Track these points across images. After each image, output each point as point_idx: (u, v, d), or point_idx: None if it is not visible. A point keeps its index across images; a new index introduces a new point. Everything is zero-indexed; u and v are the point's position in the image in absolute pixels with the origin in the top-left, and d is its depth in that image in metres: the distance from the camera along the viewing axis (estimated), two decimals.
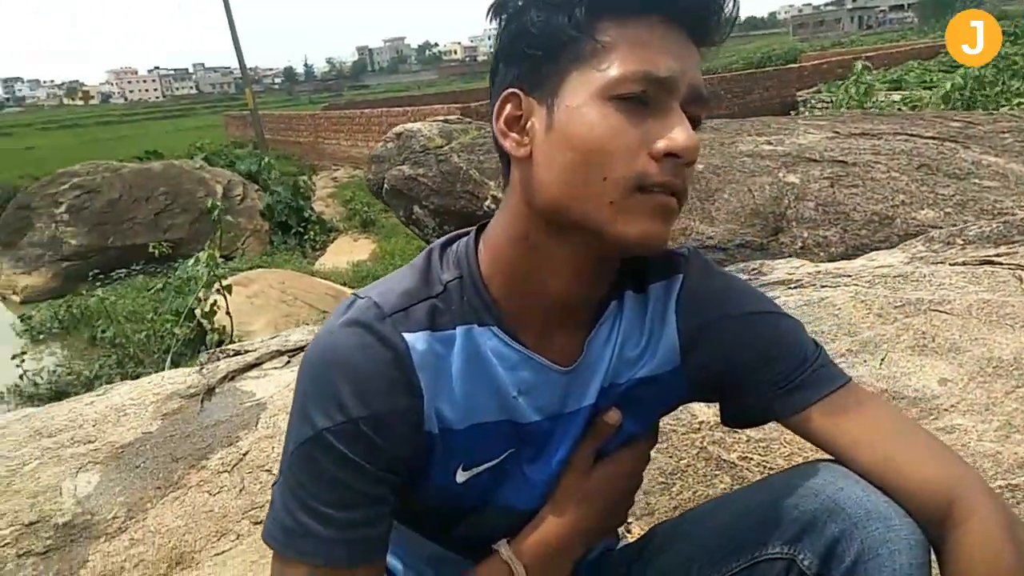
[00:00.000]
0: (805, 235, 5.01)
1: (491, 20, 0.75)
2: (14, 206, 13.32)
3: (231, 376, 2.21)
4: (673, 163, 0.69)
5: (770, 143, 6.12)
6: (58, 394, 7.37)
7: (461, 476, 0.78)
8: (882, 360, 1.87)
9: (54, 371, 8.00)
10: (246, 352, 2.37)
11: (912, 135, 4.91)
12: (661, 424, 1.76)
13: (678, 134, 0.68)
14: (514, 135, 0.74)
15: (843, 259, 3.86)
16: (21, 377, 7.51)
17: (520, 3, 0.72)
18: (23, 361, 7.43)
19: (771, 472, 1.48)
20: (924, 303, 2.11)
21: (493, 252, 0.77)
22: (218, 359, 2.34)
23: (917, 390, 1.75)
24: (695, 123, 0.72)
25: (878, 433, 0.75)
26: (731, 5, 0.72)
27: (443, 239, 0.82)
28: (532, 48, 0.72)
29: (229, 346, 2.56)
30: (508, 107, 0.75)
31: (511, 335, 0.77)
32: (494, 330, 0.76)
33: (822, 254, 4.78)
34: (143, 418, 2.03)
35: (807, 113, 13.42)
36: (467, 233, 0.81)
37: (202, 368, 2.28)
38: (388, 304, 0.73)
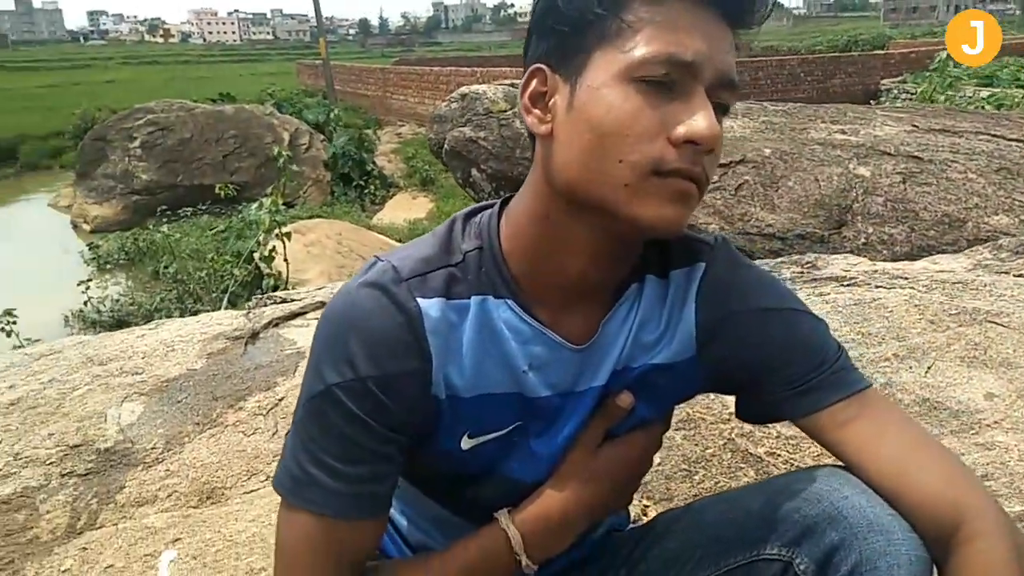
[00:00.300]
0: (870, 231, 4.86)
1: None
2: (91, 137, 13.77)
3: (275, 323, 2.26)
4: (692, 150, 0.67)
5: (844, 132, 5.92)
6: (119, 323, 7.67)
7: (466, 443, 0.79)
8: (928, 368, 1.82)
9: (117, 300, 8.31)
10: (292, 300, 2.43)
11: (995, 136, 4.69)
12: (690, 411, 1.76)
13: (699, 120, 0.66)
14: (537, 111, 0.73)
15: (906, 259, 3.74)
16: (85, 303, 7.82)
17: None
18: (88, 288, 7.72)
19: (797, 469, 1.45)
20: (980, 313, 2.03)
21: (514, 227, 0.78)
22: (265, 305, 2.41)
23: (961, 402, 1.69)
24: (724, 109, 0.70)
25: (890, 443, 0.74)
26: None
27: (468, 209, 0.83)
28: (560, 24, 0.70)
29: (276, 293, 2.63)
30: (534, 82, 0.73)
31: (526, 309, 0.77)
32: (509, 303, 0.77)
33: (885, 252, 4.63)
34: (189, 355, 2.10)
35: (888, 104, 12.92)
36: (492, 205, 0.82)
37: (249, 312, 2.35)
38: (406, 269, 0.74)
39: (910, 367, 1.84)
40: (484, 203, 0.83)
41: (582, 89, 0.69)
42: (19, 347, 5.09)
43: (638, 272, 0.81)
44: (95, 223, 12.41)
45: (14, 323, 5.64)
